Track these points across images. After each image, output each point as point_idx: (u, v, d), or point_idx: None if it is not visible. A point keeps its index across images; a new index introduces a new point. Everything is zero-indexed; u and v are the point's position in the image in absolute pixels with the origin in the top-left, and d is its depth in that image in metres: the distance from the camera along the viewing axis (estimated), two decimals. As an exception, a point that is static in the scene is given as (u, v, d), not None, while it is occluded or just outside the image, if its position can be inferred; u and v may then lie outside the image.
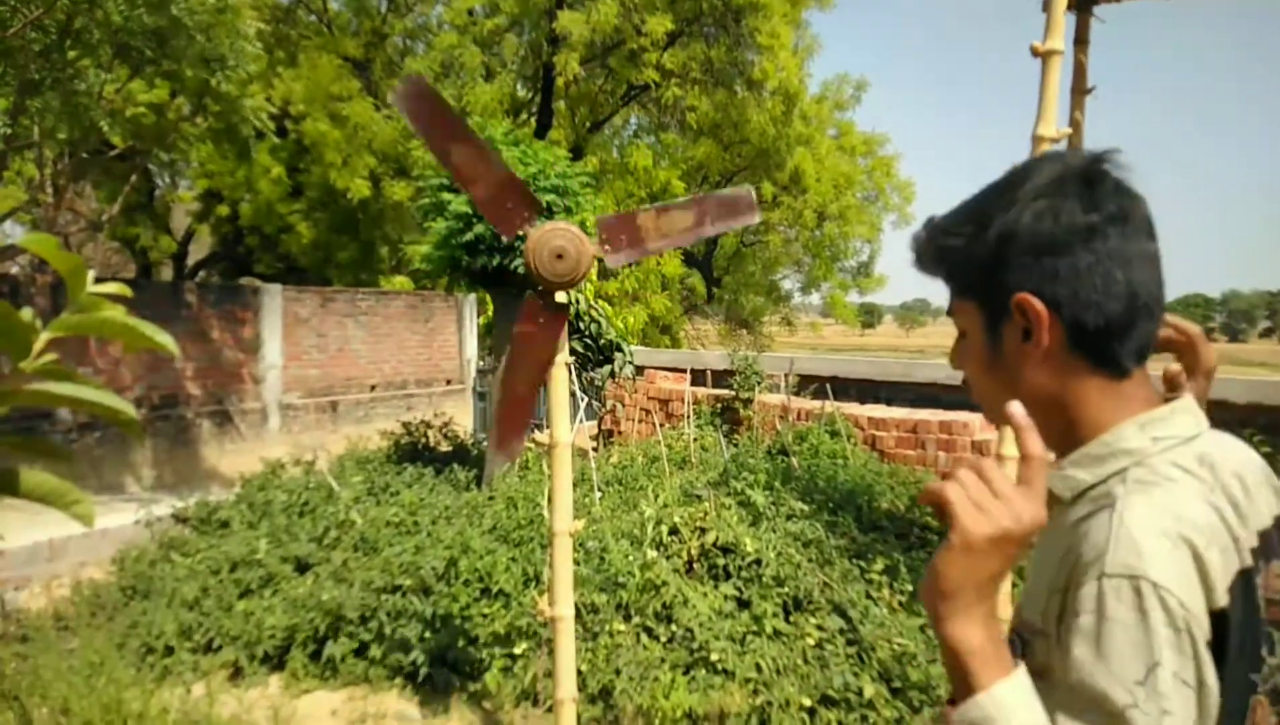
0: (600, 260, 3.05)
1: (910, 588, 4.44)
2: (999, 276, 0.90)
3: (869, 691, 3.62)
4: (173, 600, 4.43)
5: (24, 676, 3.58)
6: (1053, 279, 0.87)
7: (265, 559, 4.73)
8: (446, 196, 5.95)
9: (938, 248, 0.97)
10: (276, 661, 4.13)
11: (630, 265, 14.66)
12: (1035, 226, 0.88)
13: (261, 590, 4.55)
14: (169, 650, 4.09)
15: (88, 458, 8.23)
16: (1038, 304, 0.87)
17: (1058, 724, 0.76)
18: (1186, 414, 0.91)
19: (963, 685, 0.76)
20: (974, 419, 6.56)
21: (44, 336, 1.09)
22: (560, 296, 3.03)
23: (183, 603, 4.39)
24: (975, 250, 0.92)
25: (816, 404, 7.62)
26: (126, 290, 1.45)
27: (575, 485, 5.60)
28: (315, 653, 4.13)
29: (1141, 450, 0.87)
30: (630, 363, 8.88)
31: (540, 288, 2.98)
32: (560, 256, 2.97)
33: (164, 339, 1.33)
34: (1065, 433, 0.92)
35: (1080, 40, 4.69)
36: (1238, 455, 0.91)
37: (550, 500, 3.19)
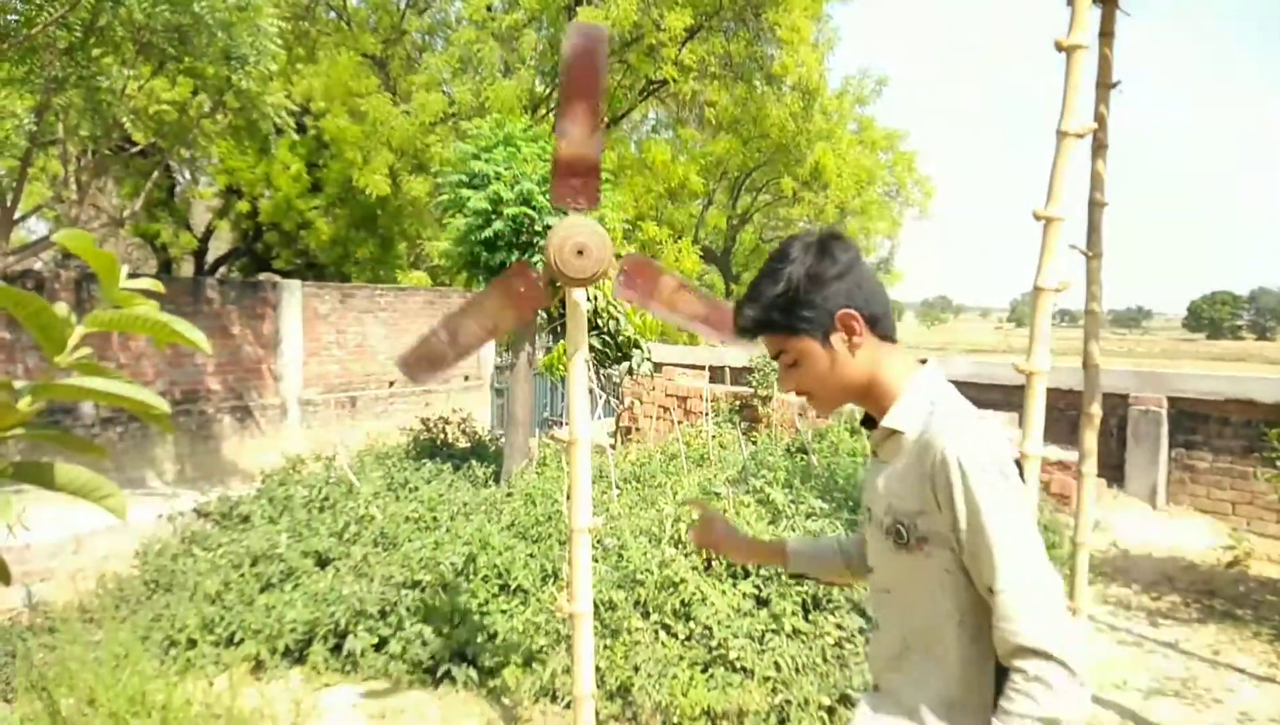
0: (618, 256, 3.08)
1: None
2: (815, 309, 1.40)
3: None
4: (195, 594, 4.47)
5: (51, 667, 3.62)
6: (848, 296, 1.40)
7: (286, 553, 4.75)
8: (466, 193, 5.96)
9: (758, 318, 1.46)
10: (298, 655, 4.15)
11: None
12: (821, 270, 1.40)
13: (282, 584, 4.58)
14: (191, 643, 4.12)
15: (110, 452, 8.31)
16: (853, 311, 1.40)
17: (989, 540, 1.24)
18: (930, 375, 1.43)
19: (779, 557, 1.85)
20: (998, 417, 6.50)
21: (78, 332, 1.09)
22: (578, 294, 3.04)
23: (205, 596, 4.42)
24: (790, 303, 1.41)
25: (835, 401, 7.58)
26: (159, 286, 1.45)
27: (593, 482, 5.60)
28: (336, 647, 4.15)
29: (932, 397, 1.39)
30: (648, 360, 8.87)
31: (558, 283, 3.00)
32: (581, 252, 2.97)
33: (196, 335, 1.34)
34: (882, 396, 1.43)
35: (1105, 33, 4.63)
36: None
37: (569, 497, 3.18)
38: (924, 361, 1.48)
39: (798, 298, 1.40)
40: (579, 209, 2.96)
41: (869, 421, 1.50)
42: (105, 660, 3.66)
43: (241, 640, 4.14)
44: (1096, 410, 4.64)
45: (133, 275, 1.19)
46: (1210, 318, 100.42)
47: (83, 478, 1.33)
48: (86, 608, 4.58)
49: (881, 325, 1.43)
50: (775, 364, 7.03)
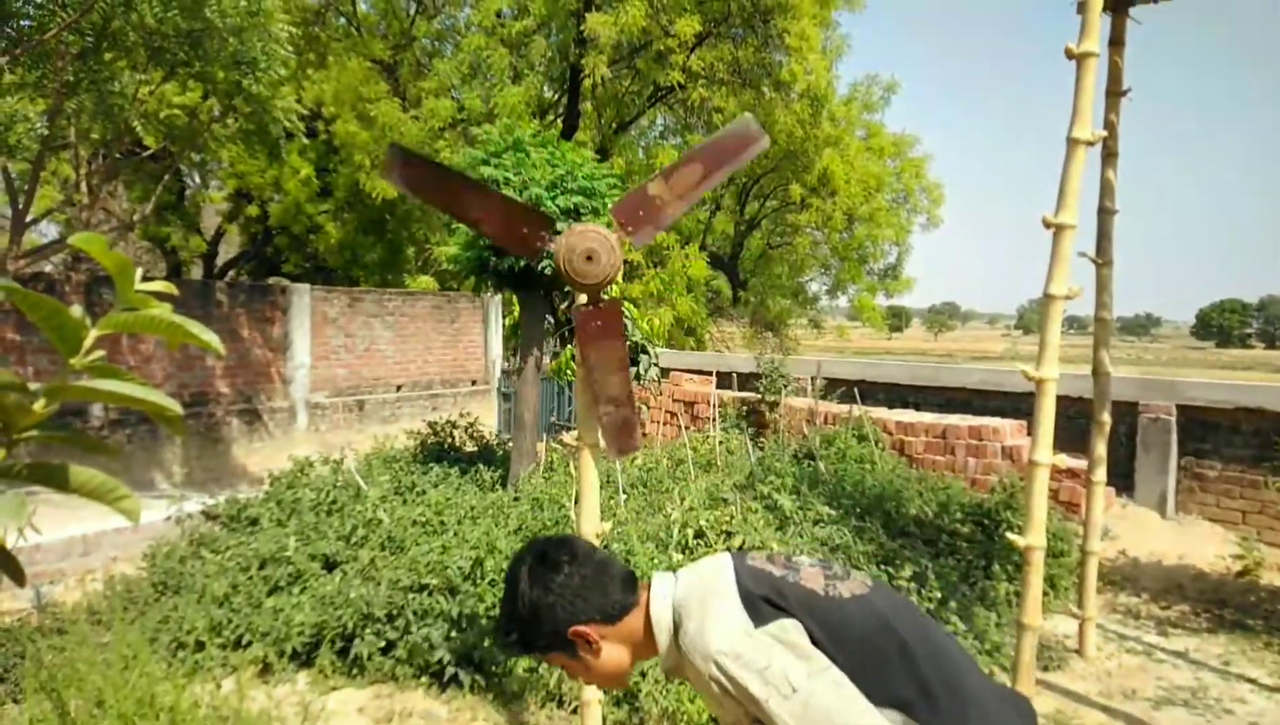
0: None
1: (939, 594, 4.39)
2: (549, 634, 1.50)
3: None
4: (203, 596, 4.48)
5: (61, 668, 3.63)
6: (574, 612, 1.50)
7: (294, 557, 4.76)
8: (475, 197, 5.97)
9: (512, 645, 1.55)
10: (305, 658, 4.15)
11: (654, 266, 14.66)
12: (540, 599, 1.50)
13: (290, 587, 4.59)
14: (199, 646, 4.13)
15: (119, 455, 8.34)
16: (581, 628, 1.50)
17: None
18: (656, 586, 1.55)
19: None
20: (1005, 425, 6.48)
21: (93, 334, 1.10)
22: (583, 298, 3.04)
23: (213, 599, 4.43)
24: (526, 631, 1.52)
25: (844, 408, 7.56)
26: (173, 288, 1.46)
27: (600, 487, 5.59)
28: (343, 650, 4.15)
29: (668, 626, 1.49)
30: (656, 365, 8.88)
31: (569, 290, 3.00)
32: (590, 258, 2.97)
33: (209, 337, 1.34)
34: (647, 648, 1.53)
35: (1115, 42, 4.63)
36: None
37: (577, 502, 3.18)
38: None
39: (531, 628, 1.51)
40: (626, 235, 2.93)
41: None
42: (114, 662, 3.67)
43: (249, 643, 4.15)
44: (1106, 418, 4.63)
45: (145, 279, 1.19)
46: (1219, 326, 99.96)
47: (96, 480, 1.34)
48: (95, 609, 4.60)
49: (617, 610, 1.52)
50: (781, 370, 6.99)
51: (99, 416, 8.35)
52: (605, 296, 3.00)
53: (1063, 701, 3.99)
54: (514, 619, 1.52)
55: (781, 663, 1.29)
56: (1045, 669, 4.23)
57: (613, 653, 1.52)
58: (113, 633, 4.20)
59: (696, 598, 1.46)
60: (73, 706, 3.22)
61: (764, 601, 1.38)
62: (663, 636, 1.48)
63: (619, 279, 3.55)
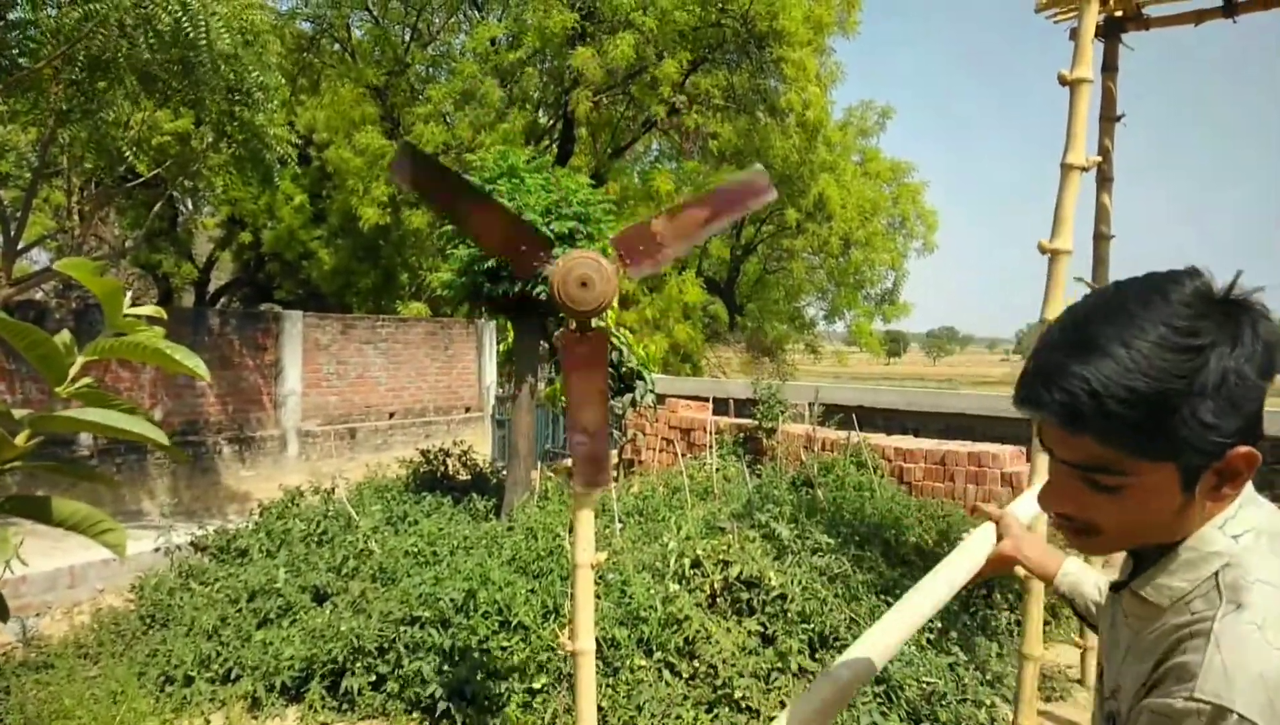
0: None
1: (939, 624, 4.33)
2: (1209, 431, 0.87)
3: (900, 732, 3.51)
4: (191, 629, 4.39)
5: (46, 704, 3.54)
6: (1249, 429, 0.89)
7: (284, 588, 4.68)
8: (469, 224, 5.96)
9: (1112, 413, 0.87)
10: (294, 693, 4.06)
11: (650, 292, 14.66)
12: (1245, 371, 0.87)
13: (280, 620, 4.50)
14: (188, 680, 4.04)
15: (108, 485, 8.24)
16: (1253, 449, 0.90)
17: None
18: (1250, 504, 0.96)
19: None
20: (1004, 451, 6.44)
21: (80, 360, 1.06)
22: (573, 324, 3.01)
23: (201, 632, 4.35)
24: (1172, 411, 0.86)
25: (842, 434, 7.52)
26: (162, 312, 1.42)
27: (596, 516, 5.52)
28: (333, 685, 4.06)
29: (1227, 551, 0.92)
30: (651, 391, 8.84)
31: (562, 316, 2.97)
32: (585, 285, 2.94)
33: (195, 363, 1.30)
34: (1152, 536, 0.97)
35: (1109, 67, 4.66)
36: None
37: (571, 531, 3.13)
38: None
39: (1192, 408, 0.86)
40: (624, 266, 2.91)
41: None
42: (100, 697, 3.58)
43: (238, 677, 4.06)
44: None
45: (134, 304, 1.15)
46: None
47: (81, 513, 1.29)
48: (82, 643, 4.50)
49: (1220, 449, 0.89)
50: (778, 396, 6.90)
51: (88, 445, 8.26)
52: (595, 325, 2.97)
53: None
54: (1160, 390, 0.85)
55: None
56: (1048, 699, 4.16)
57: (1210, 512, 0.93)
58: (99, 667, 4.11)
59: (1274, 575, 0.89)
60: (55, 745, 3.14)
61: None
62: (1175, 576, 0.93)
63: (615, 305, 3.52)
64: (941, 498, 6.42)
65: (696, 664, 3.92)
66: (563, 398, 9.74)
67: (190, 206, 16.72)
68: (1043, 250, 3.68)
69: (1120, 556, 1.08)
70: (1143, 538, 0.96)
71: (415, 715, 3.88)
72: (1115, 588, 1.05)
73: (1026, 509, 1.76)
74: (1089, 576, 1.45)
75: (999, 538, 1.60)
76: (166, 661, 4.13)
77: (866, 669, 1.57)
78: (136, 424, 1.38)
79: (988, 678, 4.11)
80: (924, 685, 3.81)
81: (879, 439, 7.33)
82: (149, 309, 1.43)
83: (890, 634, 1.62)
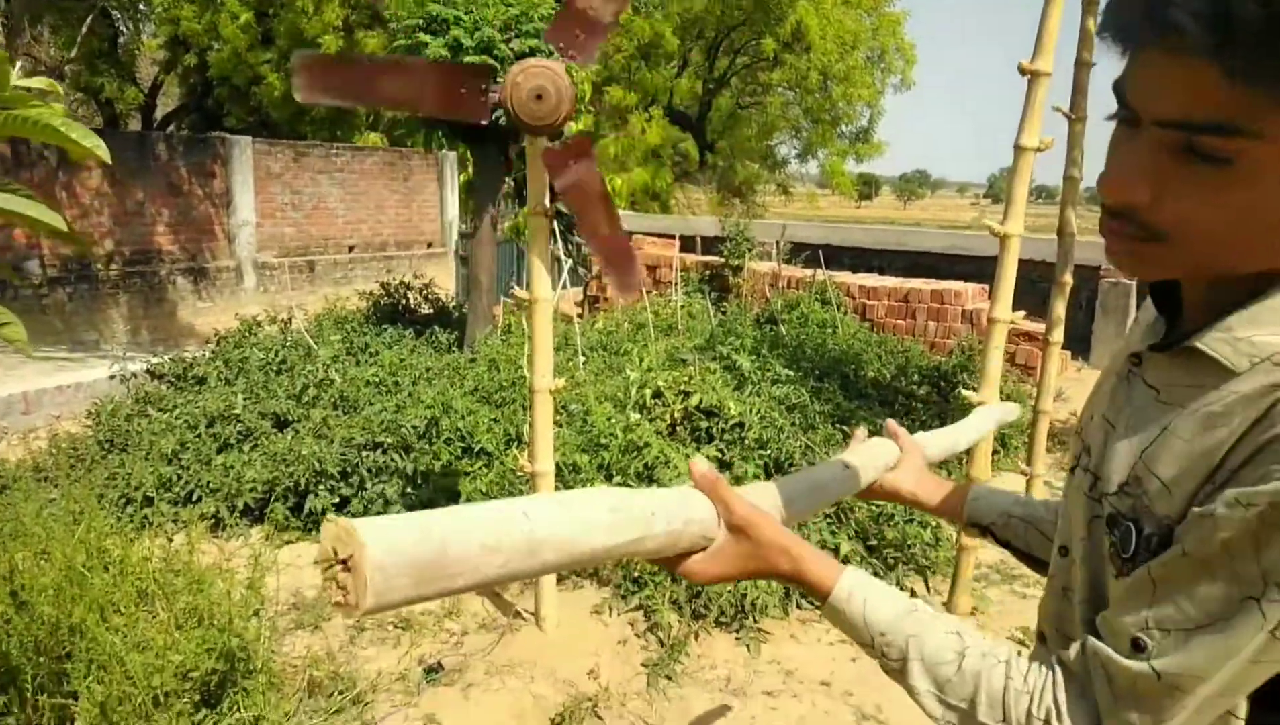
0: (581, 102, 2.87)
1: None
2: None
3: (845, 548, 3.67)
4: (151, 453, 4.39)
5: (7, 523, 3.55)
6: None
7: (243, 415, 4.66)
8: (424, 38, 5.57)
9: (1276, 23, 0.57)
10: (257, 514, 4.13)
11: (615, 131, 14.13)
12: None
13: (240, 445, 4.51)
14: (148, 501, 4.07)
15: (59, 313, 8.05)
16: None
17: (1160, 598, 0.67)
18: None
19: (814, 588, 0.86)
20: (967, 288, 6.47)
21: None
22: (541, 143, 2.85)
23: (160, 456, 4.34)
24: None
25: (808, 272, 7.49)
26: (56, 86, 1.29)
27: (558, 350, 5.51)
28: (296, 506, 4.12)
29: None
30: (617, 226, 8.65)
31: (524, 142, 2.83)
32: (540, 97, 2.76)
33: (94, 142, 1.18)
34: (1242, 256, 0.68)
35: None
36: None
37: (530, 359, 3.10)
38: None
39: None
40: (570, 58, 2.73)
41: (1165, 304, 0.80)
42: (60, 517, 3.60)
43: (199, 499, 4.10)
44: (1068, 279, 4.59)
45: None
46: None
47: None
48: (40, 466, 4.49)
49: None
50: (746, 233, 6.79)
51: (37, 273, 7.99)
52: (572, 130, 2.84)
53: (1006, 553, 4.13)
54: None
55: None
56: (990, 522, 4.36)
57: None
58: (59, 489, 4.12)
59: None
60: (20, 558, 3.17)
61: None
62: (1266, 327, 0.67)
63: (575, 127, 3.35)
64: (902, 334, 6.49)
65: (655, 488, 4.02)
66: (524, 234, 9.54)
67: (131, 27, 15.55)
68: (1022, 71, 3.50)
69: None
70: (1227, 258, 0.67)
71: (379, 535, 3.97)
72: (1150, 351, 0.77)
73: (933, 444, 1.42)
74: (1004, 495, 1.18)
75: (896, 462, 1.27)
76: (126, 484, 4.14)
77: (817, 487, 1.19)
78: (33, 209, 1.28)
79: (934, 502, 4.27)
80: (873, 507, 3.95)
81: (844, 277, 7.32)
82: (40, 81, 1.29)
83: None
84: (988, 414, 1.90)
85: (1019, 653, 0.77)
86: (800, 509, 1.04)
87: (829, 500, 1.17)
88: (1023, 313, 3.78)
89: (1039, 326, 5.79)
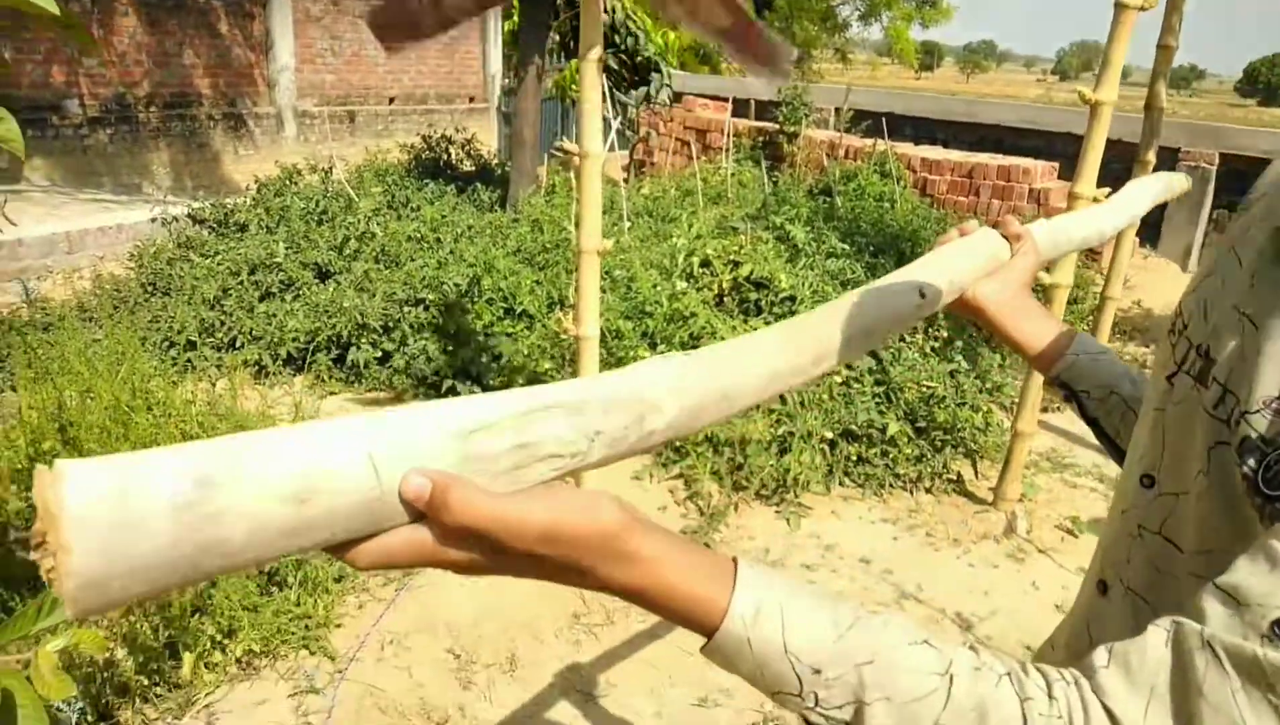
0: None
1: (945, 334, 4.29)
2: None
3: (893, 429, 3.58)
4: (193, 298, 4.37)
5: (54, 361, 3.57)
6: None
7: (285, 264, 4.60)
8: None
9: None
10: (300, 363, 4.12)
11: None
12: None
13: (282, 294, 4.47)
14: (191, 345, 4.07)
15: (100, 155, 7.96)
16: None
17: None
18: None
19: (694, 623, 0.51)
20: (1036, 165, 6.08)
21: None
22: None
23: (203, 301, 4.32)
24: None
25: (868, 142, 7.10)
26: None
27: (604, 213, 5.32)
28: (339, 358, 4.11)
29: None
30: (668, 86, 8.24)
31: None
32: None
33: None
34: None
35: None
36: None
37: (577, 223, 2.94)
38: None
39: None
40: None
41: None
42: (105, 356, 3.61)
43: (242, 345, 4.10)
44: (1152, 157, 4.24)
45: None
46: (1267, 82, 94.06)
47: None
48: (85, 306, 4.51)
49: None
50: (803, 97, 6.41)
51: (78, 113, 7.86)
52: None
53: (1058, 441, 4.02)
54: None
55: None
56: (1044, 410, 4.22)
57: None
58: (103, 330, 4.13)
59: None
60: (67, 395, 3.19)
61: None
62: None
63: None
64: (964, 212, 6.18)
65: (699, 358, 3.92)
66: (574, 87, 9.12)
67: None
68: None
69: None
70: None
71: (422, 391, 3.95)
72: None
73: (1049, 238, 1.03)
74: (1115, 364, 0.91)
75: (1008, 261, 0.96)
76: (169, 327, 4.14)
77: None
78: None
79: (987, 386, 4.14)
80: (924, 389, 3.83)
81: (905, 148, 6.93)
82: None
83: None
84: (1146, 185, 1.39)
85: (1021, 663, 0.52)
86: (856, 348, 0.75)
87: (893, 331, 0.83)
88: (1106, 191, 3.50)
89: (1113, 210, 5.46)
